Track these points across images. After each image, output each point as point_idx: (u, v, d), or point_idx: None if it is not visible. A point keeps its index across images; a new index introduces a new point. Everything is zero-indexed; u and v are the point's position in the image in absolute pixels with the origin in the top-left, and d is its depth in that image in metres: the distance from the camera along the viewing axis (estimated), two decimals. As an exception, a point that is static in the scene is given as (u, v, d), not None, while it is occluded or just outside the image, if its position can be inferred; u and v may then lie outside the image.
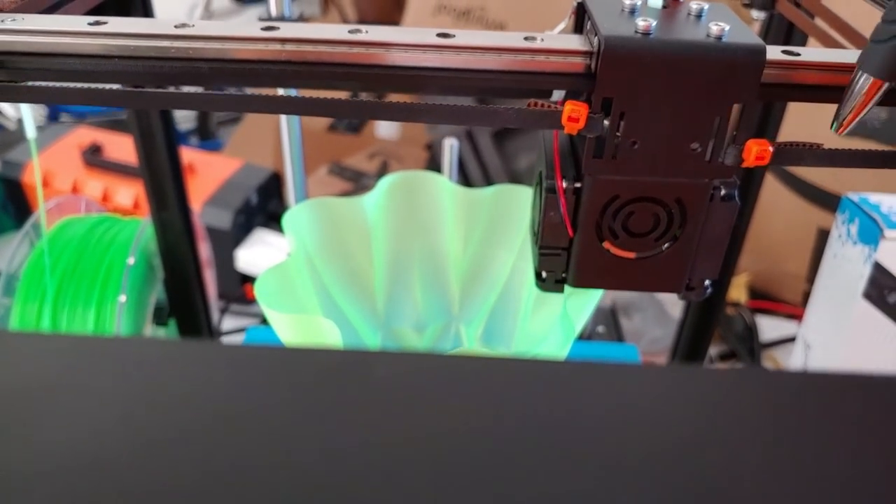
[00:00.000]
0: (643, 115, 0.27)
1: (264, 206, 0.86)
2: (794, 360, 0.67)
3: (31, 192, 0.88)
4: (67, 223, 0.65)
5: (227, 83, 0.30)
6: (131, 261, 0.60)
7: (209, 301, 0.61)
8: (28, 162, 0.87)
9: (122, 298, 0.59)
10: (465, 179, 0.92)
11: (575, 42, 0.27)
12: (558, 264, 0.32)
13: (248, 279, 0.80)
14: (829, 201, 0.80)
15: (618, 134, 0.27)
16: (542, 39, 0.27)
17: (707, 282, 0.32)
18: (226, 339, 0.76)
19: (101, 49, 0.27)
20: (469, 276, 0.46)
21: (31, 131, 0.59)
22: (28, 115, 0.61)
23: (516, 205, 0.43)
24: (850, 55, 0.27)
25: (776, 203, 0.84)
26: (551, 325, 0.41)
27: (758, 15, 0.41)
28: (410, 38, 0.27)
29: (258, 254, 0.80)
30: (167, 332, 0.67)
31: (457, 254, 0.46)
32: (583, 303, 0.37)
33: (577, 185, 0.29)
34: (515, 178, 0.93)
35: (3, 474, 0.11)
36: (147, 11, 0.55)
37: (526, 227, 0.43)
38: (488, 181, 0.92)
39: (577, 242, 0.30)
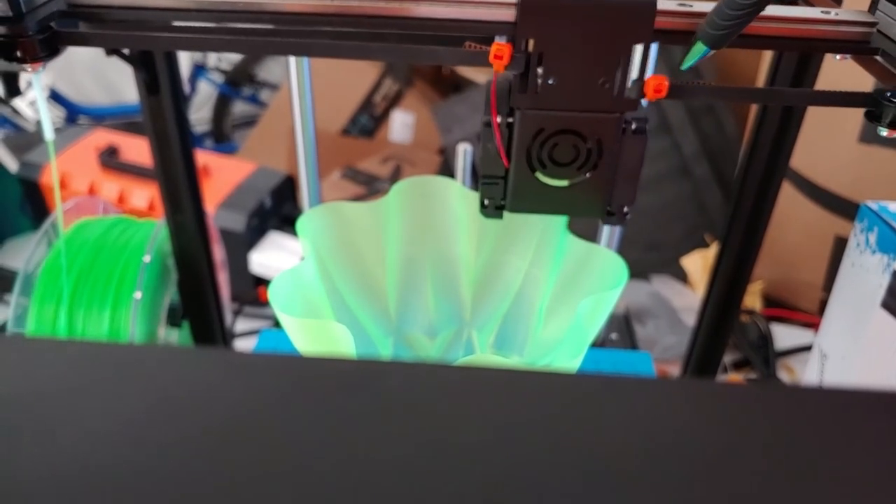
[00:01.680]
0: (557, 55, 0.31)
1: (278, 209, 0.86)
2: (809, 369, 0.67)
3: (48, 193, 0.89)
4: (84, 224, 0.65)
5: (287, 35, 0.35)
6: (147, 259, 0.60)
7: (222, 303, 0.61)
8: (46, 163, 0.88)
9: (138, 295, 0.60)
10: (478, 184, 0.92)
11: None
12: (497, 192, 0.36)
13: (261, 281, 0.81)
14: (846, 209, 0.79)
15: (539, 72, 0.32)
16: None
17: (626, 208, 0.37)
18: (239, 341, 0.77)
19: (177, 3, 0.33)
20: (481, 282, 0.46)
21: (49, 133, 0.59)
22: (46, 117, 0.62)
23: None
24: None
25: (792, 211, 0.84)
26: (564, 332, 0.41)
27: None
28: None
29: (271, 256, 0.80)
30: (181, 333, 0.67)
31: (469, 260, 0.46)
32: (597, 311, 0.37)
33: (510, 119, 0.34)
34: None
35: (16, 479, 0.11)
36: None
37: (540, 234, 0.43)
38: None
39: (512, 172, 0.35)
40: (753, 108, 0.65)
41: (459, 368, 0.13)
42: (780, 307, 0.90)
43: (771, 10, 0.32)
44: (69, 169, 0.86)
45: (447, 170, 0.98)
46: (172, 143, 0.54)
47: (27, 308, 0.62)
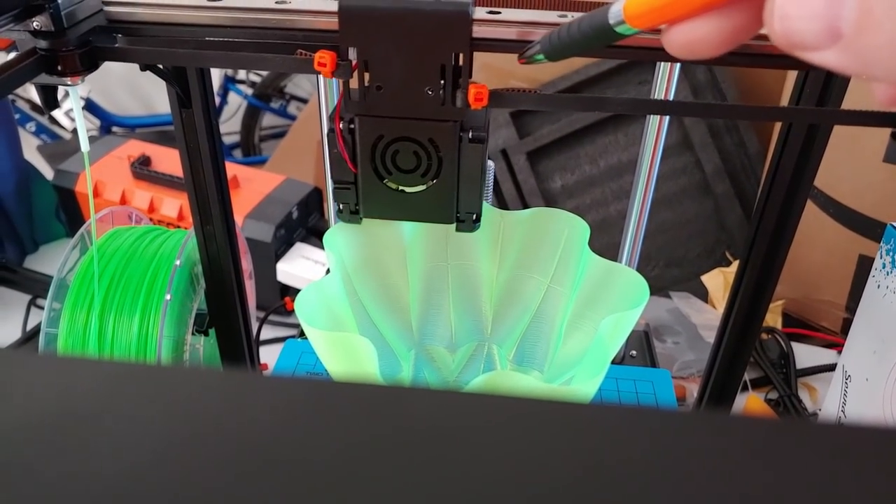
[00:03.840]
0: (381, 63, 0.32)
1: (305, 220, 0.87)
2: (832, 390, 0.66)
3: (82, 200, 0.91)
4: (115, 232, 0.67)
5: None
6: (178, 263, 0.62)
7: (249, 311, 0.62)
8: (80, 172, 0.90)
9: (168, 297, 0.61)
10: (500, 199, 0.92)
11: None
12: (350, 197, 0.37)
13: (287, 291, 0.82)
14: (870, 229, 0.79)
15: (366, 78, 0.32)
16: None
17: (474, 216, 0.37)
18: (264, 349, 0.78)
19: (212, 20, 0.34)
20: (502, 297, 0.47)
21: (84, 144, 0.61)
22: (82, 128, 0.64)
23: (552, 228, 0.44)
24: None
25: (815, 229, 0.83)
26: (585, 349, 0.41)
27: None
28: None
29: (298, 267, 0.81)
30: (207, 340, 0.69)
31: (491, 275, 0.47)
32: (618, 329, 0.37)
33: (351, 125, 0.34)
34: (550, 198, 0.93)
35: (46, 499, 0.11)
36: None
37: (561, 251, 0.44)
38: (523, 201, 0.92)
39: (360, 178, 0.36)
40: (777, 127, 0.65)
41: (484, 396, 0.13)
42: (801, 326, 0.89)
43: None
44: (103, 178, 0.88)
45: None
46: (203, 155, 0.55)
47: (60, 312, 0.64)
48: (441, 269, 0.47)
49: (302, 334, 0.66)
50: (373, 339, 0.36)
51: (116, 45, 0.36)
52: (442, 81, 0.32)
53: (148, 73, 0.57)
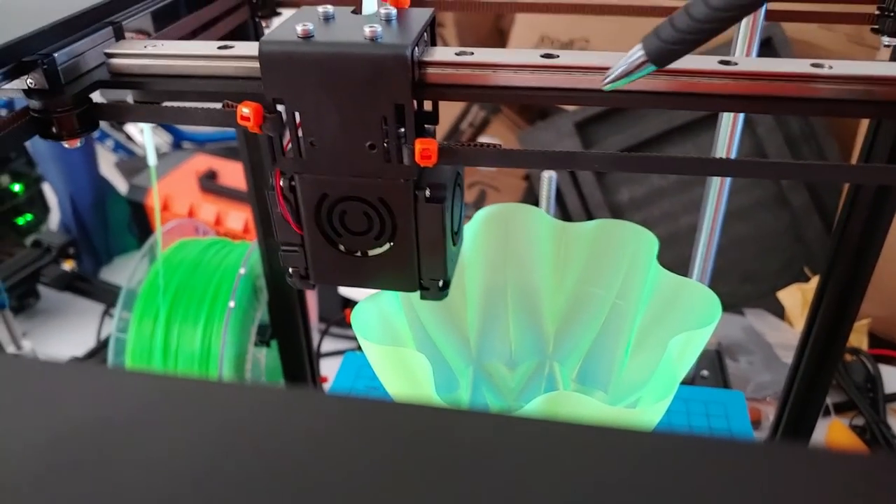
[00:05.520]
0: (312, 115, 0.28)
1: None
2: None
3: (152, 214, 0.94)
4: (182, 245, 0.69)
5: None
6: (242, 271, 0.63)
7: (310, 324, 0.62)
8: (152, 187, 0.93)
9: (232, 304, 0.62)
10: (565, 211, 0.90)
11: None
12: (299, 261, 0.33)
13: (348, 303, 0.82)
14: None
15: (299, 133, 0.29)
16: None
17: (441, 282, 0.32)
18: (324, 361, 0.78)
19: (231, 71, 0.30)
20: (565, 313, 0.45)
21: (152, 159, 0.63)
22: (150, 144, 0.66)
23: (618, 241, 0.42)
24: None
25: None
26: (652, 369, 0.39)
27: (889, 41, 0.38)
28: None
29: (357, 279, 0.81)
30: (269, 352, 0.69)
31: (552, 290, 0.45)
32: (688, 349, 0.35)
33: (293, 182, 0.30)
34: (617, 211, 0.91)
35: None
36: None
37: (628, 265, 0.42)
38: (588, 214, 0.90)
39: (307, 239, 0.32)
40: (861, 134, 0.61)
41: (541, 422, 0.13)
42: (890, 347, 0.83)
43: (869, 69, 0.27)
44: (171, 192, 0.91)
45: (531, 195, 0.97)
46: (266, 170, 0.56)
47: (128, 322, 0.65)
48: (500, 283, 0.46)
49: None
50: (429, 354, 0.35)
51: (118, 103, 0.32)
52: (386, 136, 0.28)
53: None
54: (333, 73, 0.27)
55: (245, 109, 0.28)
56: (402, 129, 0.28)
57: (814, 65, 0.27)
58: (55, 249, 0.89)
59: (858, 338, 0.83)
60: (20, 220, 0.97)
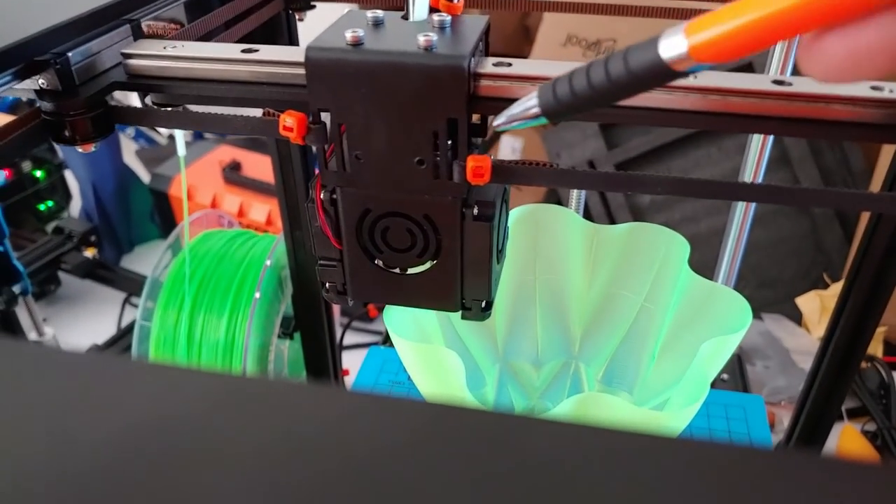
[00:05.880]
0: (360, 128, 0.27)
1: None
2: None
3: (176, 203, 0.95)
4: (207, 235, 0.69)
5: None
6: (268, 263, 0.63)
7: (333, 317, 0.63)
8: (175, 176, 0.94)
9: (257, 295, 0.63)
10: (586, 211, 0.91)
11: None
12: (336, 276, 0.32)
13: (367, 298, 0.83)
14: None
15: (345, 145, 0.27)
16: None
17: (483, 303, 0.31)
18: (346, 354, 0.79)
19: (250, 76, 0.29)
20: (593, 314, 0.45)
21: (181, 150, 0.63)
22: (180, 135, 0.66)
23: (649, 244, 0.42)
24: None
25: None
26: (678, 372, 0.40)
27: None
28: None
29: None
30: (292, 344, 0.70)
31: (581, 291, 0.45)
32: (717, 354, 0.35)
33: (334, 196, 0.29)
34: (638, 213, 0.91)
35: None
36: (292, 38, 0.59)
37: (658, 268, 0.42)
38: (609, 215, 0.90)
39: (346, 255, 0.31)
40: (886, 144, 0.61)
41: (609, 431, 0.13)
42: (904, 355, 0.84)
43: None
44: (195, 182, 0.91)
45: (553, 195, 0.97)
46: (294, 163, 0.56)
47: (153, 311, 0.66)
48: (529, 283, 0.46)
49: (385, 341, 0.66)
50: (457, 352, 0.35)
51: (137, 108, 0.30)
52: (436, 151, 0.27)
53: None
54: (385, 84, 0.25)
55: (288, 120, 0.27)
56: (451, 142, 0.27)
57: (873, 87, 0.25)
58: (77, 236, 0.90)
59: (874, 345, 0.83)
60: (41, 207, 0.97)
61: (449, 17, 0.27)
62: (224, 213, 0.75)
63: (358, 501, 0.11)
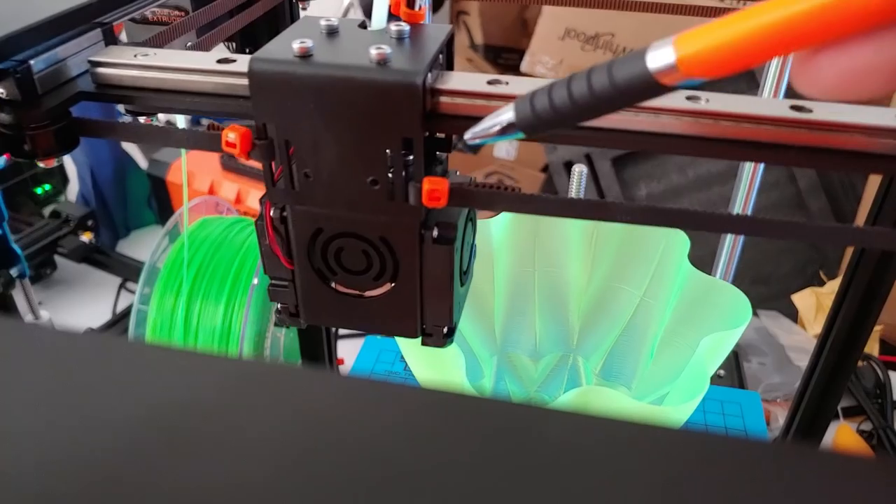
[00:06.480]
0: (307, 144, 0.25)
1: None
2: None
3: (173, 189, 0.94)
4: (205, 221, 0.69)
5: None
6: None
7: (329, 307, 0.63)
8: (172, 162, 0.93)
9: (255, 281, 0.62)
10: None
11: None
12: (289, 297, 0.30)
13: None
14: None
15: (292, 163, 0.25)
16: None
17: (445, 329, 0.29)
18: (342, 343, 0.79)
19: (226, 89, 0.26)
20: (591, 308, 0.45)
21: (182, 135, 0.63)
22: (181, 121, 0.66)
23: (649, 238, 0.42)
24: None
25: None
26: (677, 367, 0.40)
27: None
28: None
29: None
30: (288, 332, 0.70)
31: (580, 285, 0.45)
32: (716, 349, 0.35)
33: (284, 213, 0.27)
34: (634, 207, 0.91)
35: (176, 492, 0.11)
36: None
37: (657, 263, 0.42)
38: (606, 208, 0.90)
39: (298, 276, 0.29)
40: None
41: (629, 424, 0.13)
42: (900, 354, 0.84)
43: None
44: (192, 168, 0.91)
45: (550, 187, 0.97)
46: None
47: (149, 296, 0.66)
48: (528, 275, 0.46)
49: (380, 332, 0.66)
50: (455, 342, 0.35)
51: (101, 120, 0.28)
52: (390, 171, 0.25)
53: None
54: (333, 100, 0.24)
55: (231, 135, 0.25)
56: (408, 160, 0.25)
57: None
58: (74, 221, 0.90)
59: (870, 344, 0.84)
60: (38, 190, 0.97)
61: (408, 28, 0.25)
62: (222, 200, 0.75)
63: (375, 487, 0.11)
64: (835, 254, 0.92)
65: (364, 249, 0.27)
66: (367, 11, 0.28)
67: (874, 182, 0.87)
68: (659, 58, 0.17)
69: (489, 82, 0.24)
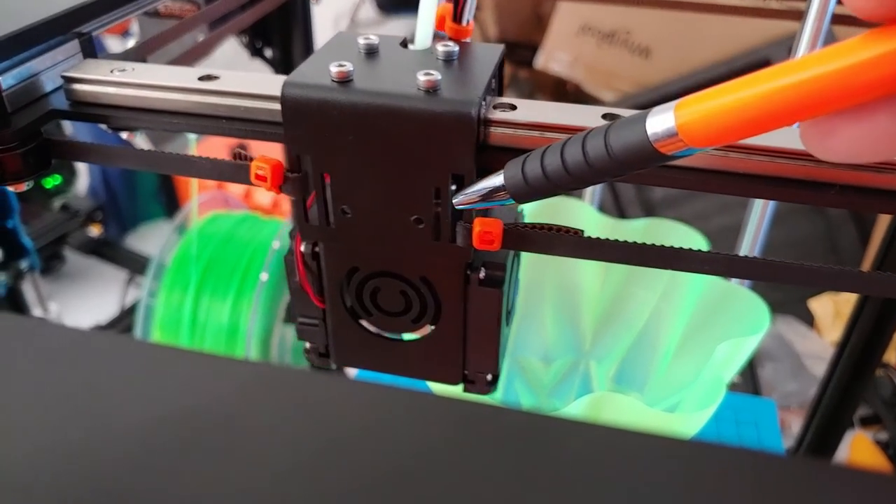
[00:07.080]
0: (347, 178, 0.22)
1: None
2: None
3: (181, 184, 0.94)
4: (214, 217, 0.69)
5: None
6: (276, 244, 0.63)
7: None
8: (182, 156, 0.93)
9: (264, 277, 0.62)
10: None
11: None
12: (318, 336, 0.27)
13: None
14: None
15: (328, 198, 0.23)
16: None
17: (489, 376, 0.27)
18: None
19: (208, 108, 0.24)
20: (605, 313, 0.44)
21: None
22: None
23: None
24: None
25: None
26: (693, 374, 0.39)
27: None
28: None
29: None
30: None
31: (594, 288, 0.44)
32: (734, 356, 0.34)
33: (316, 249, 0.25)
34: (648, 208, 0.90)
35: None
36: (307, 24, 0.57)
37: (673, 267, 0.41)
38: (619, 209, 0.89)
39: (329, 315, 0.27)
40: None
41: (645, 436, 0.12)
42: (918, 363, 0.82)
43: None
44: (202, 162, 0.91)
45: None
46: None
47: (157, 291, 0.66)
48: (540, 278, 0.45)
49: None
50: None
51: (81, 143, 0.26)
52: (437, 209, 0.22)
53: (249, 61, 0.58)
54: (378, 131, 0.21)
55: (261, 168, 0.23)
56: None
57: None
58: (83, 214, 0.90)
59: (888, 352, 0.82)
60: (48, 183, 0.97)
61: (456, 48, 0.23)
62: (230, 196, 0.74)
63: (385, 493, 0.11)
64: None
65: (403, 290, 0.25)
66: (380, 4, 0.26)
67: None
68: (658, 123, 0.16)
69: (552, 110, 0.22)
